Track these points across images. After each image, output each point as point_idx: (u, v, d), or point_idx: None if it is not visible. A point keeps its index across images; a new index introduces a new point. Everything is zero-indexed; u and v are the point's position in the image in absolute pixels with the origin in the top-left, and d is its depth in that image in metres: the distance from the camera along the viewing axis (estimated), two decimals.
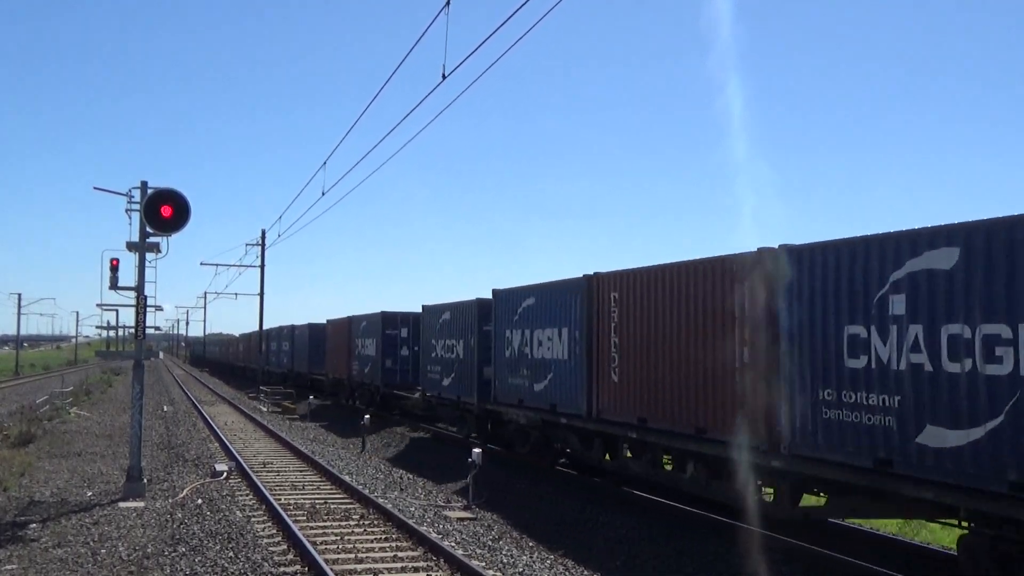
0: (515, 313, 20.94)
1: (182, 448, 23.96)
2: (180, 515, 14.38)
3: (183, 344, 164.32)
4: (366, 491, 16.34)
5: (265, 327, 53.95)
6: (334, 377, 42.11)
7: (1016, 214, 9.26)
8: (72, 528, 13.53)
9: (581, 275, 17.84)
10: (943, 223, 10.02)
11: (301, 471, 19.98)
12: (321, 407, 38.77)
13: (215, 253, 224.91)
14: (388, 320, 34.13)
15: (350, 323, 39.09)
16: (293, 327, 53.08)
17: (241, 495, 16.45)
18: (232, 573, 10.83)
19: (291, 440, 25.53)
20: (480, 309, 23.76)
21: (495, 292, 22.42)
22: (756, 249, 12.66)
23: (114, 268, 17.71)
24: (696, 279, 13.93)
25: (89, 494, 16.77)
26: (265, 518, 14.37)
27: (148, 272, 17.02)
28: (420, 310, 29.39)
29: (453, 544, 12.46)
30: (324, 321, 45.74)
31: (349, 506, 15.49)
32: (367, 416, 25.28)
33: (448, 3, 12.07)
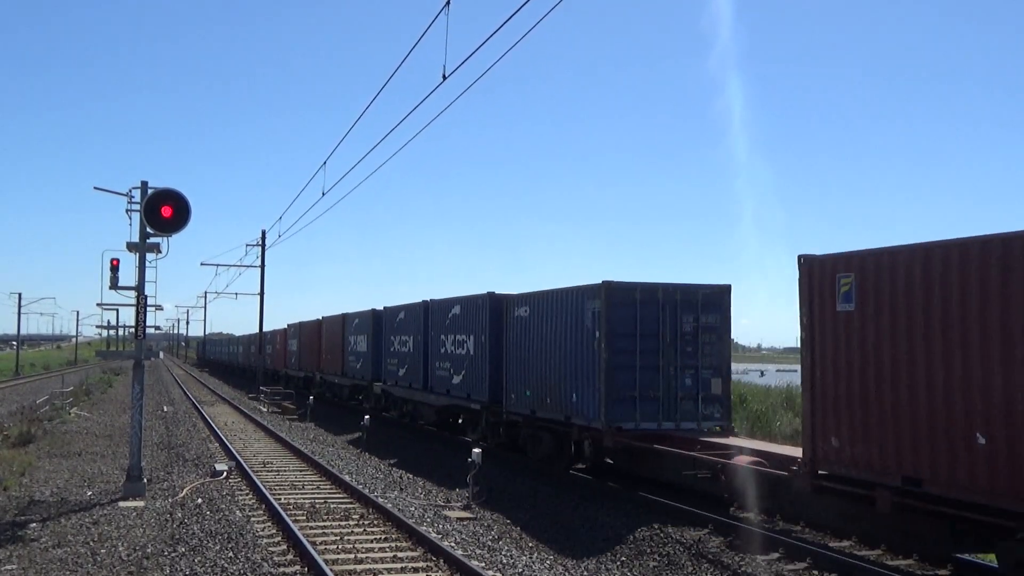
0: None
1: (182, 448, 23.98)
2: (180, 515, 14.39)
3: (183, 344, 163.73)
4: (366, 491, 16.35)
5: (350, 310, 39.05)
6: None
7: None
8: (72, 528, 13.53)
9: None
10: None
11: (301, 471, 19.99)
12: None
13: (215, 253, 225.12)
14: None
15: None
16: (483, 297, 23.30)
17: (241, 495, 16.46)
18: (232, 573, 10.84)
19: (291, 440, 25.56)
20: None
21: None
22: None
23: (114, 268, 17.72)
24: None
25: (89, 494, 16.77)
26: (265, 518, 14.38)
27: (148, 272, 17.06)
28: None
29: (453, 544, 12.47)
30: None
31: (349, 506, 15.51)
32: None
33: (448, 3, 12.08)
